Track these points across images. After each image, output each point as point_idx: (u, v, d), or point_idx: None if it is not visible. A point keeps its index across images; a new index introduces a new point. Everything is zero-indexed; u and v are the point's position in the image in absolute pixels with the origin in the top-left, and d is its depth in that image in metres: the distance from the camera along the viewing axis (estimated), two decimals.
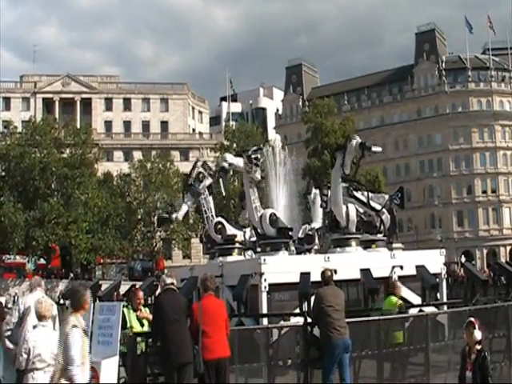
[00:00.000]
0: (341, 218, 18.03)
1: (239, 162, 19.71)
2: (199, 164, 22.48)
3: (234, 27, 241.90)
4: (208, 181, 21.58)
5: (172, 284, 10.42)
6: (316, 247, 22.14)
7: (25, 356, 8.30)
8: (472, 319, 9.58)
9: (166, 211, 23.46)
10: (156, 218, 23.43)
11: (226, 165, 19.79)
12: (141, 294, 12.24)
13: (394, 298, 14.00)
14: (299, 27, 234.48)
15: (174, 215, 21.90)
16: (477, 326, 9.34)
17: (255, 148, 20.48)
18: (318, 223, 22.34)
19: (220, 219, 21.04)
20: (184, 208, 21.84)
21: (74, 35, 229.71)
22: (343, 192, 19.32)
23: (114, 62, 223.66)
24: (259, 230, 19.26)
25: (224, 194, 21.67)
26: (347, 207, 18.28)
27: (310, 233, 21.55)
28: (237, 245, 20.67)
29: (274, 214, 19.05)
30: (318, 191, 23.20)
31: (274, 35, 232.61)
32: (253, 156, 19.54)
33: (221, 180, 20.96)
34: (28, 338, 8.40)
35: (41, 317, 8.58)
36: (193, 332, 9.93)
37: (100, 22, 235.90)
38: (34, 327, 8.54)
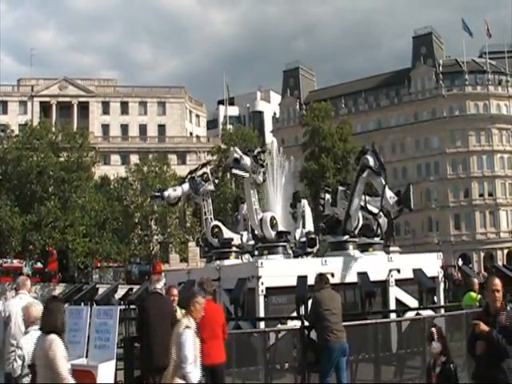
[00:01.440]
0: (354, 222, 18.03)
1: (247, 159, 19.41)
2: (209, 167, 22.46)
3: (233, 31, 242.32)
4: (210, 186, 21.55)
5: (160, 289, 10.42)
6: (314, 251, 22.15)
7: (19, 362, 8.22)
8: (433, 329, 9.14)
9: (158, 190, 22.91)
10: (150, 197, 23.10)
11: (237, 156, 19.28)
12: (175, 291, 11.80)
13: (473, 294, 14.57)
14: (297, 31, 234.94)
15: (165, 193, 21.58)
16: (436, 337, 8.89)
17: (260, 150, 20.38)
18: (309, 228, 22.37)
19: (217, 223, 21.02)
20: (178, 190, 21.56)
21: (72, 39, 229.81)
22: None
23: (112, 66, 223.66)
24: (258, 233, 19.20)
25: (247, 176, 20.00)
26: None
27: (313, 236, 21.51)
28: (234, 248, 20.67)
29: (274, 218, 19.07)
30: (305, 201, 23.38)
31: (272, 39, 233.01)
32: (258, 157, 19.47)
33: (237, 170, 19.62)
34: (22, 344, 8.32)
35: (31, 321, 8.50)
36: None
37: (98, 25, 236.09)
38: (26, 332, 8.45)
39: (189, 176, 21.67)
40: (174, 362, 8.08)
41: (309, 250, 21.18)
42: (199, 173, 21.25)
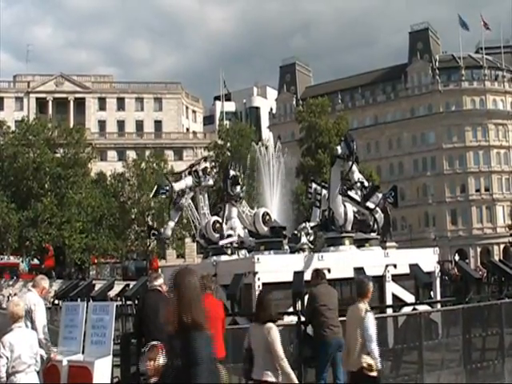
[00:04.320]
0: (339, 216, 18.04)
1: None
2: (209, 161, 22.68)
3: (230, 27, 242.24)
4: (210, 181, 21.59)
5: (159, 286, 10.39)
6: (305, 246, 22.13)
7: (4, 361, 8.09)
8: (156, 343, 6.35)
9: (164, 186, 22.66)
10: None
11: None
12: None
13: None
14: (294, 27, 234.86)
15: (175, 184, 21.55)
16: (161, 351, 5.89)
17: (231, 173, 21.09)
18: (314, 222, 22.37)
19: (217, 218, 20.97)
20: (182, 183, 21.49)
21: (70, 35, 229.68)
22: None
23: (110, 63, 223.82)
24: (251, 229, 19.28)
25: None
26: (345, 206, 18.31)
27: (296, 232, 21.59)
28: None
29: (268, 213, 19.06)
30: (317, 186, 23.28)
31: (269, 35, 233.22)
32: (232, 178, 20.23)
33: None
34: (5, 342, 8.19)
35: (15, 319, 8.39)
36: None
37: (95, 22, 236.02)
38: (10, 330, 8.35)
39: (189, 170, 21.60)
40: (359, 342, 9.09)
41: (293, 245, 21.27)
42: (201, 167, 21.30)
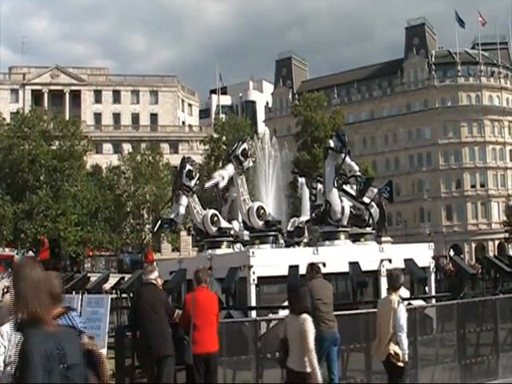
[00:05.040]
0: (336, 210, 18.06)
1: (230, 170, 19.76)
2: (190, 161, 22.16)
3: (226, 21, 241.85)
4: (197, 177, 21.43)
5: (154, 279, 10.36)
6: (305, 240, 22.14)
7: (2, 350, 7.99)
8: None
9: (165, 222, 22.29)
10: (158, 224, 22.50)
11: (222, 181, 19.78)
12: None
13: None
14: (291, 22, 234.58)
15: (172, 215, 21.34)
16: None
17: (240, 144, 20.42)
18: (306, 216, 22.34)
19: (215, 212, 20.83)
20: (181, 209, 21.22)
21: (66, 28, 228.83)
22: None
23: (106, 55, 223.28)
24: (247, 223, 19.25)
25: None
26: (341, 201, 18.35)
27: (301, 225, 21.51)
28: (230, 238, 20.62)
29: (262, 207, 19.04)
30: (303, 179, 23.29)
31: (265, 29, 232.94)
32: (241, 154, 19.71)
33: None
34: (2, 331, 8.06)
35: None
36: (184, 323, 9.89)
37: (92, 14, 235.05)
38: (8, 320, 8.25)
39: (179, 188, 21.24)
40: (390, 332, 9.53)
41: (296, 239, 21.19)
42: (185, 173, 20.95)
